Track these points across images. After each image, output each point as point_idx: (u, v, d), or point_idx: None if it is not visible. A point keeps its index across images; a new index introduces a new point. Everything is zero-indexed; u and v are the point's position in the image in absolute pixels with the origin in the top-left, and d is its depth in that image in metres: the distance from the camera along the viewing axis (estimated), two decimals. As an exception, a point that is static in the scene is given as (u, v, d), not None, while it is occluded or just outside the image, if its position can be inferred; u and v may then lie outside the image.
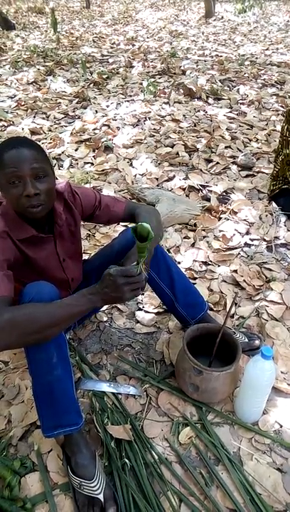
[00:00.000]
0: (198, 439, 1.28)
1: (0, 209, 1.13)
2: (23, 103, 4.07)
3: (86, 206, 1.33)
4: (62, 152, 3.09)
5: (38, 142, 1.15)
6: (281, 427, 1.32)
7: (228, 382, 1.30)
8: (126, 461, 1.20)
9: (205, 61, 5.54)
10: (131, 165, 2.93)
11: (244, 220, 2.34)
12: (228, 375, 1.27)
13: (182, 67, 5.15)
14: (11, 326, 0.94)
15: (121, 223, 2.23)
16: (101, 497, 1.10)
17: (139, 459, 1.21)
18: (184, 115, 3.76)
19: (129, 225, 1.47)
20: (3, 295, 1.00)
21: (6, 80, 4.84)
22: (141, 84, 4.55)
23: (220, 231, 2.25)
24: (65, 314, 1.02)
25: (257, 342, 1.54)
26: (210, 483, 1.17)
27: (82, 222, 1.39)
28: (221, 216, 2.37)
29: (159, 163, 2.92)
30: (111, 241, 1.49)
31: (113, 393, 1.40)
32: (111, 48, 6.55)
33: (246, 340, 1.53)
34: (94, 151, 3.11)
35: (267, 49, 6.41)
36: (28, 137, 1.10)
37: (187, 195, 2.58)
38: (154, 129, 3.46)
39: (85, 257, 1.60)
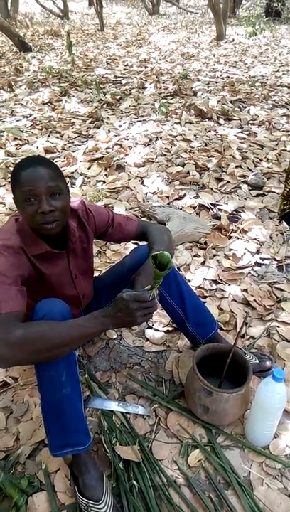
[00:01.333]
0: (208, 462, 1.26)
1: (16, 225, 1.16)
2: (38, 122, 4.18)
3: (99, 224, 1.36)
4: (75, 170, 3.15)
5: (52, 161, 1.18)
6: (293, 451, 1.29)
7: (238, 404, 1.29)
8: (134, 482, 1.18)
9: (216, 82, 5.64)
10: (142, 183, 2.97)
11: (255, 239, 2.34)
12: (239, 396, 1.26)
13: (193, 89, 5.25)
14: (23, 342, 0.95)
15: (132, 241, 2.25)
16: (108, 519, 1.08)
17: (147, 481, 1.19)
18: (195, 135, 3.81)
19: (140, 243, 1.48)
20: (16, 310, 1.01)
21: (22, 99, 4.98)
22: (153, 104, 4.64)
23: (230, 250, 2.25)
24: (76, 334, 1.02)
25: (268, 363, 1.52)
26: (219, 508, 1.15)
27: (94, 240, 1.41)
28: (231, 235, 2.38)
29: (170, 182, 2.96)
30: (122, 259, 1.51)
31: (122, 413, 1.39)
32: (125, 69, 6.71)
33: (257, 361, 1.51)
34: (106, 169, 3.16)
35: (277, 71, 6.51)
36: (43, 156, 1.13)
37: (197, 214, 2.59)
38: (165, 148, 3.52)
39: (96, 274, 1.61)
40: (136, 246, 1.51)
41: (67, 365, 1.10)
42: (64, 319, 1.07)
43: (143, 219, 2.46)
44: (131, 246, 2.23)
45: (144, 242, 1.42)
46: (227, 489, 1.20)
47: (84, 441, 1.14)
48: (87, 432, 1.16)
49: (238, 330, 1.37)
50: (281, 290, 1.95)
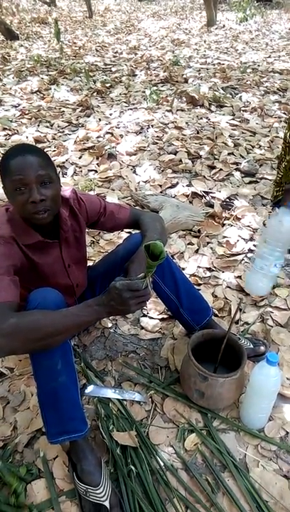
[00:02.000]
0: (204, 445, 1.28)
1: (7, 215, 1.15)
2: (27, 112, 4.12)
3: (91, 213, 1.35)
4: (66, 160, 3.11)
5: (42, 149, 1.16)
6: (287, 433, 1.32)
7: (233, 389, 1.30)
8: (132, 467, 1.20)
9: (208, 69, 5.58)
10: (134, 172, 2.95)
11: (248, 226, 2.34)
12: (233, 381, 1.27)
13: (184, 76, 5.20)
14: (16, 331, 0.95)
15: (125, 230, 2.24)
16: (107, 504, 1.09)
17: (145, 466, 1.21)
18: (187, 122, 3.79)
19: (133, 232, 1.48)
20: (9, 300, 1.01)
21: (10, 89, 4.90)
22: (144, 92, 4.59)
23: (224, 237, 2.26)
24: (70, 323, 1.02)
25: (262, 348, 1.54)
26: (216, 490, 1.17)
27: (86, 229, 1.40)
28: (224, 222, 2.38)
29: (162, 170, 2.94)
30: (116, 247, 1.51)
31: (118, 399, 1.40)
32: (114, 56, 6.62)
33: (252, 346, 1.53)
34: (97, 158, 3.13)
35: (269, 56, 6.46)
36: (33, 144, 1.11)
37: (190, 202, 2.59)
38: (157, 136, 3.49)
39: (90, 263, 1.61)
40: (129, 234, 1.50)
41: (62, 354, 1.11)
42: (58, 308, 1.07)
43: (137, 208, 2.45)
44: (124, 235, 2.22)
45: (137, 231, 1.42)
46: (223, 471, 1.22)
47: (81, 428, 1.15)
48: (83, 419, 1.17)
49: (232, 316, 1.38)
50: (275, 276, 1.96)
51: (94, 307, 1.03)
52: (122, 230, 2.26)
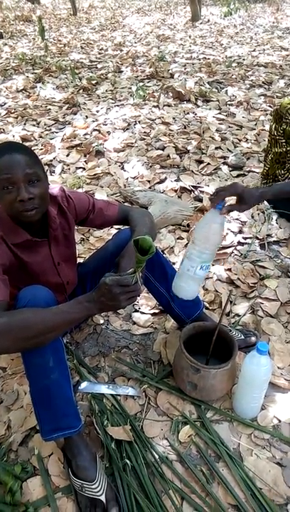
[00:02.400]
0: (198, 437, 1.29)
1: None
2: (13, 111, 4.09)
3: (80, 210, 1.35)
4: (54, 158, 3.10)
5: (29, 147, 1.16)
6: (280, 421, 1.33)
7: (226, 379, 1.32)
8: (127, 461, 1.20)
9: (193, 64, 5.58)
10: (122, 168, 2.95)
11: (237, 219, 2.36)
12: (225, 372, 1.28)
13: (170, 71, 5.19)
14: (6, 330, 0.94)
15: (114, 226, 2.24)
16: (103, 498, 1.10)
17: (140, 459, 1.21)
18: (174, 118, 3.79)
19: (122, 228, 1.48)
20: None
21: (-4, 88, 4.86)
22: (130, 88, 4.58)
23: (213, 231, 2.26)
24: (61, 321, 1.02)
25: (253, 339, 1.55)
26: (211, 480, 1.18)
27: (76, 227, 1.40)
28: (213, 216, 2.38)
29: (150, 166, 2.94)
30: (105, 243, 1.51)
31: (112, 395, 1.41)
32: (100, 53, 6.59)
33: (243, 337, 1.54)
34: (85, 156, 3.12)
35: (254, 50, 6.48)
36: (19, 142, 1.11)
37: (179, 197, 2.59)
38: (144, 132, 3.49)
39: (80, 260, 1.60)
40: (118, 230, 1.50)
41: (53, 351, 1.10)
42: (48, 306, 1.06)
43: (125, 204, 2.44)
44: (114, 232, 2.21)
45: (126, 227, 1.42)
46: (217, 462, 1.23)
47: (75, 424, 1.15)
48: (77, 415, 1.17)
49: (223, 308, 1.39)
50: (264, 268, 1.98)
51: (85, 303, 1.03)
52: (112, 227, 2.26)
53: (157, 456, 1.24)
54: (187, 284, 1.26)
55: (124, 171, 2.92)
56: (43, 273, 1.27)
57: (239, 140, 3.32)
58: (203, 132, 3.40)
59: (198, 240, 1.19)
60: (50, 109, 4.15)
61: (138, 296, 1.06)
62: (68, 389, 1.15)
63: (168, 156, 3.04)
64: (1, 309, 1.00)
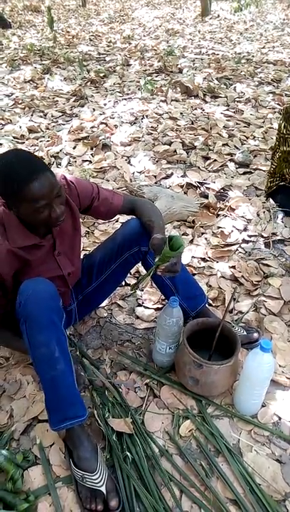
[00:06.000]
0: (198, 431, 1.30)
1: None
2: (20, 101, 4.07)
3: (83, 197, 1.34)
4: (60, 150, 3.09)
5: (36, 155, 1.15)
6: (280, 419, 1.34)
7: (227, 376, 1.32)
8: (128, 453, 1.21)
9: (202, 59, 5.55)
10: (129, 163, 2.94)
11: (242, 216, 2.35)
12: (227, 368, 1.29)
13: (179, 66, 5.16)
14: None
15: (119, 220, 2.25)
16: (103, 489, 1.11)
17: (140, 452, 1.22)
18: (181, 113, 3.77)
19: (130, 218, 1.48)
20: None
21: (3, 78, 4.84)
22: (138, 82, 4.56)
23: (218, 228, 2.27)
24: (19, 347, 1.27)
25: (256, 335, 1.56)
26: (210, 474, 1.19)
27: (81, 216, 1.39)
28: (219, 213, 2.38)
29: (157, 161, 2.94)
30: (113, 233, 1.50)
31: (113, 386, 1.41)
32: (108, 46, 6.55)
33: (245, 333, 1.54)
34: (92, 148, 3.11)
35: (263, 47, 6.43)
36: (25, 151, 1.10)
37: (185, 193, 2.59)
38: (152, 126, 3.47)
39: (85, 253, 1.61)
40: (127, 220, 1.50)
41: (58, 343, 1.12)
42: (50, 297, 1.12)
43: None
44: (119, 226, 2.22)
45: (133, 217, 1.43)
46: (217, 456, 1.24)
47: (83, 412, 1.16)
48: (83, 404, 1.18)
49: (226, 305, 1.40)
50: (268, 266, 1.98)
51: None
52: (117, 221, 2.27)
53: (157, 450, 1.25)
54: (162, 358, 1.44)
55: (131, 165, 2.91)
56: (44, 266, 1.27)
57: (247, 137, 3.30)
58: (211, 128, 3.39)
59: (160, 335, 1.38)
60: (57, 100, 4.14)
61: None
62: (72, 379, 1.16)
63: (175, 151, 3.03)
64: None
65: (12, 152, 1.10)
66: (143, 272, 1.75)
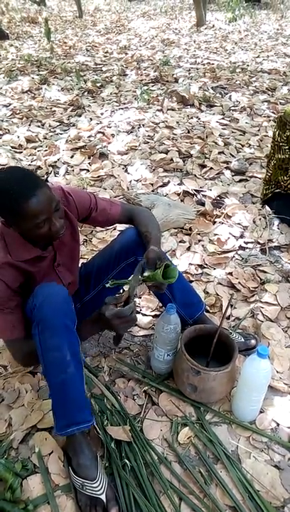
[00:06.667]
0: (197, 438, 1.30)
1: None
2: (18, 112, 4.11)
3: (81, 208, 1.35)
4: (58, 159, 3.12)
5: (32, 171, 1.16)
6: (278, 425, 1.34)
7: (225, 382, 1.33)
8: (127, 461, 1.22)
9: (197, 69, 5.62)
10: (126, 171, 2.97)
11: (238, 223, 2.37)
12: (225, 374, 1.30)
13: (174, 75, 5.22)
14: (30, 360, 1.27)
15: (117, 227, 2.26)
16: (103, 497, 1.11)
17: (139, 459, 1.22)
18: (177, 122, 3.81)
19: (127, 227, 1.50)
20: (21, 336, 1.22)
21: (1, 88, 4.88)
22: (135, 92, 4.61)
23: (215, 235, 2.29)
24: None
25: (253, 342, 1.56)
26: (209, 481, 1.19)
27: (78, 224, 1.40)
28: (215, 220, 2.40)
29: (154, 169, 2.96)
30: (110, 242, 1.52)
31: (112, 394, 1.42)
32: (105, 56, 6.62)
33: (243, 340, 1.55)
34: (89, 157, 3.14)
35: (258, 56, 6.52)
36: (23, 169, 1.11)
37: (182, 200, 2.61)
38: (148, 135, 3.51)
39: (82, 261, 1.62)
40: (123, 229, 1.52)
41: (70, 345, 1.13)
42: (64, 300, 1.14)
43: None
44: (117, 234, 2.23)
45: (131, 226, 1.44)
46: (216, 463, 1.24)
47: (90, 418, 1.16)
48: (90, 410, 1.18)
49: (224, 311, 1.41)
50: (265, 272, 1.99)
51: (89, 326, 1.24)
52: (114, 229, 2.28)
53: (156, 457, 1.25)
54: (161, 365, 1.46)
55: (128, 173, 2.94)
56: (47, 277, 1.29)
57: (242, 145, 3.34)
58: (206, 137, 3.43)
59: (158, 343, 1.40)
60: (54, 110, 4.17)
61: (134, 324, 1.27)
62: (82, 384, 1.16)
63: (172, 159, 3.06)
64: (21, 343, 1.21)
65: (7, 170, 1.12)
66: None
